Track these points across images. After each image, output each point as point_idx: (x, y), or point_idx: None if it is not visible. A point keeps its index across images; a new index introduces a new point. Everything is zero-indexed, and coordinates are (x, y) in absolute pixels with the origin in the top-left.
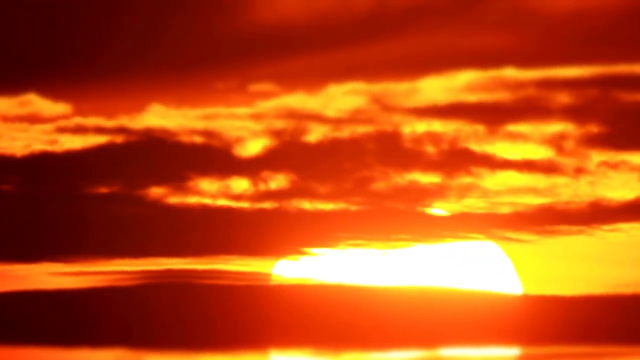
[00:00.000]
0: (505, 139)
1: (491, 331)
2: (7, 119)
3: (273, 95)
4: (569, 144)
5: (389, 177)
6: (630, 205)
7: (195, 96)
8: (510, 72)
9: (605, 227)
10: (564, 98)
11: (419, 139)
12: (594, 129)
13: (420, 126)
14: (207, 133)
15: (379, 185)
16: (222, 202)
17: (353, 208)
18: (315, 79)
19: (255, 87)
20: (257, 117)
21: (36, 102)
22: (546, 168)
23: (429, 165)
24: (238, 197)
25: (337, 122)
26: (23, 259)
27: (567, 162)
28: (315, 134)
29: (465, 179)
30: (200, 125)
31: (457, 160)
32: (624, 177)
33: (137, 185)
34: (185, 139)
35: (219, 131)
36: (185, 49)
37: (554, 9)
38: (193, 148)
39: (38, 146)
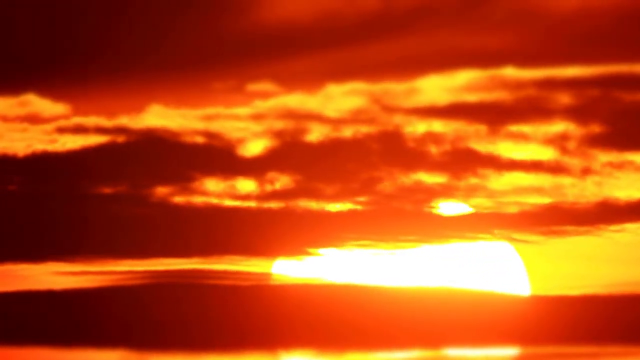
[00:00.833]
0: (509, 139)
1: (497, 331)
2: (6, 119)
3: (273, 95)
4: (574, 144)
5: (395, 177)
6: (636, 206)
7: (195, 96)
8: (512, 72)
9: (613, 227)
10: (566, 98)
11: (422, 139)
12: (598, 129)
13: (423, 126)
14: (208, 133)
15: (385, 186)
16: (227, 202)
17: (359, 208)
18: (314, 79)
19: (255, 87)
20: (257, 117)
21: (36, 102)
22: (552, 168)
23: (434, 165)
24: (243, 197)
25: (338, 122)
26: (27, 259)
27: (573, 162)
28: (316, 134)
29: (472, 179)
30: (201, 125)
31: (462, 160)
32: (630, 178)
33: (140, 185)
34: (186, 139)
35: (220, 131)
36: (184, 49)
37: (557, 9)
38: (195, 148)
39: (39, 146)
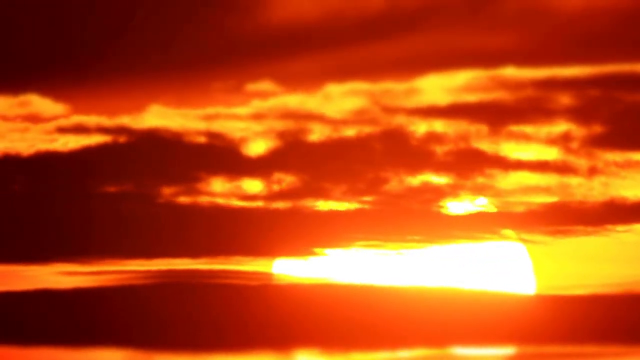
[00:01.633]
0: (512, 139)
1: (504, 331)
2: (7, 118)
3: (273, 95)
4: (577, 144)
5: (401, 177)
6: None
7: (195, 96)
8: (513, 72)
9: (620, 227)
10: (568, 98)
11: (426, 139)
12: (601, 129)
13: (426, 126)
14: (210, 133)
15: (391, 186)
16: (233, 202)
17: (366, 207)
18: (314, 79)
19: (254, 87)
20: (257, 117)
21: (36, 102)
22: (558, 168)
23: (440, 165)
24: (249, 197)
25: (339, 122)
26: (32, 260)
27: (580, 162)
28: (318, 133)
29: (478, 179)
30: (202, 125)
31: (468, 160)
32: (637, 177)
33: (145, 185)
34: (189, 139)
35: (221, 131)
36: (183, 49)
37: (558, 9)
38: (197, 148)
39: (40, 146)
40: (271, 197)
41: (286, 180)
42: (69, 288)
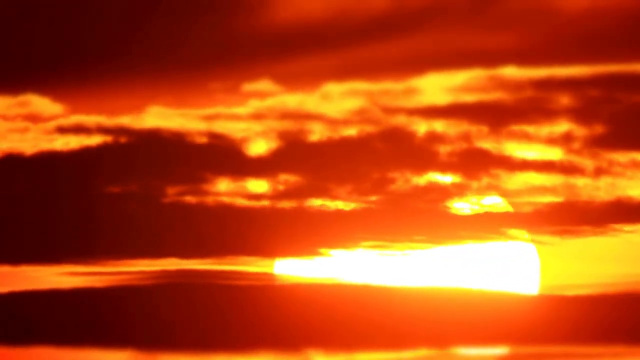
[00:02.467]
0: (516, 139)
1: (509, 331)
2: (6, 118)
3: (272, 95)
4: (582, 145)
5: (406, 178)
6: None
7: (194, 97)
8: (514, 72)
9: (627, 227)
10: (569, 98)
11: (430, 139)
12: (604, 129)
13: (427, 126)
14: (212, 134)
15: (397, 186)
16: (238, 202)
17: (372, 208)
18: (313, 79)
19: (253, 87)
20: (258, 117)
21: (35, 102)
22: (565, 168)
23: (445, 165)
24: (254, 197)
25: (338, 122)
26: (39, 260)
27: (586, 162)
28: (319, 133)
29: (484, 179)
30: (202, 125)
31: (474, 160)
32: None
33: (149, 185)
34: (192, 139)
35: (224, 132)
36: (182, 50)
37: (559, 9)
38: (200, 148)
39: (40, 146)
40: (277, 197)
41: (292, 180)
42: (72, 288)
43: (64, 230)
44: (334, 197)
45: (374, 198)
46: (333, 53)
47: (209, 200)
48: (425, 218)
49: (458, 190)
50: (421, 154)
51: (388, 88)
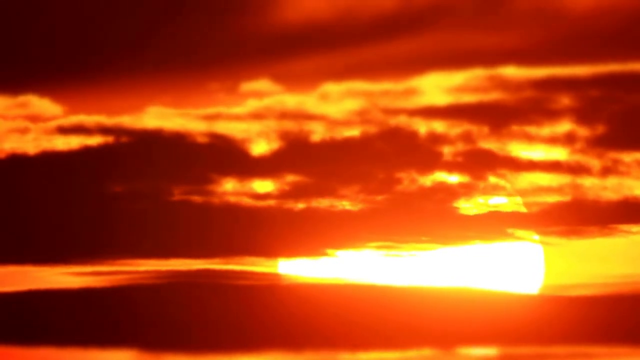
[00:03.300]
0: (515, 138)
1: (513, 331)
2: (6, 118)
3: (270, 94)
4: (584, 144)
5: (412, 178)
6: None
7: (194, 97)
8: (514, 72)
9: (634, 227)
10: (569, 98)
11: (433, 140)
12: (605, 129)
13: (428, 127)
14: (211, 133)
15: (404, 186)
16: (244, 202)
17: (379, 208)
18: (312, 79)
19: (252, 87)
20: (257, 116)
21: (35, 103)
22: (572, 168)
23: (452, 166)
24: (260, 198)
25: (340, 123)
26: (45, 261)
27: (593, 162)
28: (319, 134)
29: (490, 179)
30: (202, 126)
31: (480, 160)
32: None
33: (154, 185)
34: (193, 139)
35: (223, 132)
36: (182, 50)
37: (560, 9)
38: (203, 149)
39: (42, 146)
40: (282, 197)
41: (297, 181)
42: (78, 288)
43: (69, 230)
44: (341, 198)
45: (380, 198)
46: (332, 53)
47: (215, 200)
48: (432, 219)
49: (465, 191)
50: (426, 154)
51: (388, 88)
